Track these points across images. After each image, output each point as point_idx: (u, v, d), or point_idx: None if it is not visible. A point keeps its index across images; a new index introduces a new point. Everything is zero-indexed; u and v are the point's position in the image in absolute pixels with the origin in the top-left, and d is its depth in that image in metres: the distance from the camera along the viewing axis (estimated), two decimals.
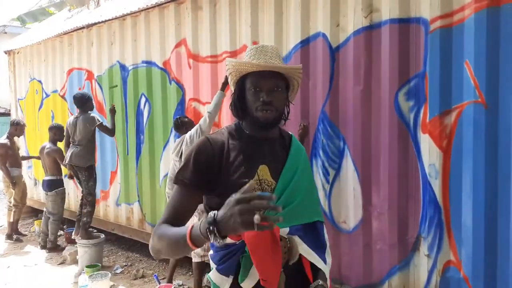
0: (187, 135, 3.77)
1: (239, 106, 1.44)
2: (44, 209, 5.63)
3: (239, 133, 1.47)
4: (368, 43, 2.99)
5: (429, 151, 2.76)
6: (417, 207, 2.86)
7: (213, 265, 1.46)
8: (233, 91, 1.48)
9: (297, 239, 1.42)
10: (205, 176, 1.38)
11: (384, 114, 2.94)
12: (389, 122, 2.92)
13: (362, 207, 3.10)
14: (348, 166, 3.15)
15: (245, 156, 1.41)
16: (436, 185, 2.75)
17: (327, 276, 1.46)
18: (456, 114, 2.64)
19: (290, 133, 1.61)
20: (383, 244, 3.01)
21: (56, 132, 5.39)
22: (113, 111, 4.90)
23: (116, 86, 5.10)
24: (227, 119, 3.97)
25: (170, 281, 4.01)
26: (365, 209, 3.09)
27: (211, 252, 1.48)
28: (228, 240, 1.37)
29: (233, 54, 3.88)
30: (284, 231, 1.39)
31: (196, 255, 3.72)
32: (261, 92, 1.38)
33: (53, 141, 5.42)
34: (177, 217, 1.36)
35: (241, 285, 1.37)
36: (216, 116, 3.75)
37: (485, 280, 2.56)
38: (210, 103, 4.07)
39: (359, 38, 3.02)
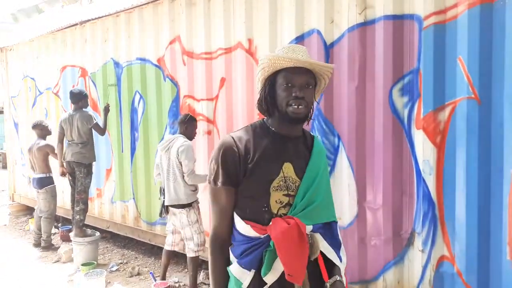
0: (174, 148, 3.59)
1: (270, 101, 1.47)
2: (35, 207, 5.62)
3: (264, 130, 1.50)
4: (362, 40, 2.99)
5: (423, 147, 2.78)
6: (411, 202, 2.88)
7: (233, 259, 1.47)
8: (260, 88, 1.51)
9: (318, 236, 1.46)
10: (234, 174, 1.43)
11: (378, 111, 2.95)
12: (383, 118, 2.93)
13: (357, 203, 3.12)
14: (343, 162, 3.16)
15: (270, 153, 1.45)
16: (430, 181, 2.77)
17: (343, 273, 1.50)
18: (449, 110, 2.66)
19: (313, 134, 1.64)
20: (378, 240, 3.03)
21: (42, 129, 5.44)
22: (107, 109, 4.87)
23: (115, 85, 5.08)
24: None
25: (163, 278, 4.00)
26: (360, 205, 3.11)
27: (232, 245, 1.50)
28: (252, 234, 1.41)
29: (228, 50, 3.87)
30: (308, 228, 1.43)
31: (190, 250, 3.70)
32: (293, 88, 1.42)
33: (42, 137, 5.43)
34: (226, 219, 1.47)
35: (264, 279, 1.40)
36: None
37: (478, 275, 2.59)
38: (204, 100, 4.07)
39: (354, 35, 3.03)
